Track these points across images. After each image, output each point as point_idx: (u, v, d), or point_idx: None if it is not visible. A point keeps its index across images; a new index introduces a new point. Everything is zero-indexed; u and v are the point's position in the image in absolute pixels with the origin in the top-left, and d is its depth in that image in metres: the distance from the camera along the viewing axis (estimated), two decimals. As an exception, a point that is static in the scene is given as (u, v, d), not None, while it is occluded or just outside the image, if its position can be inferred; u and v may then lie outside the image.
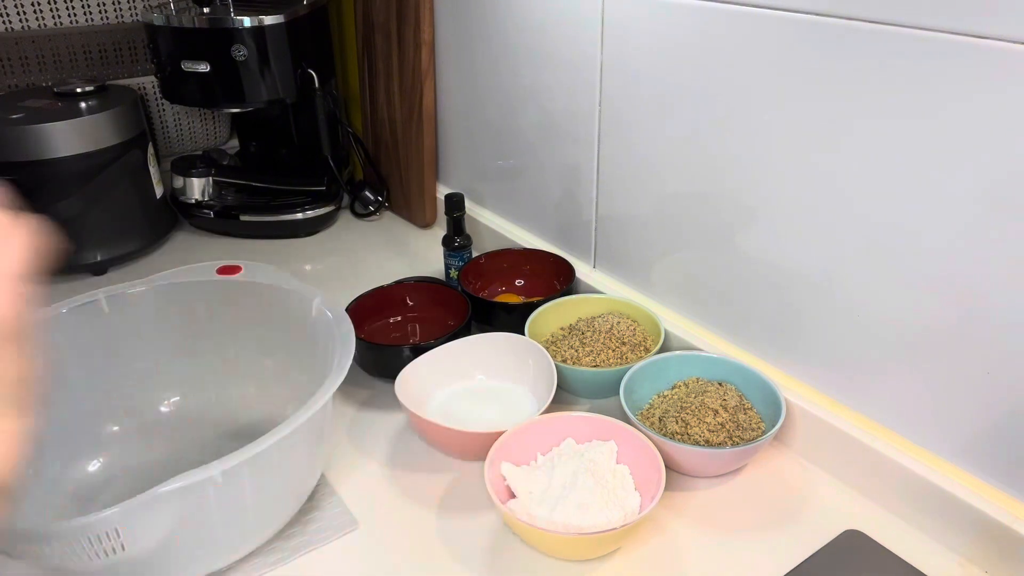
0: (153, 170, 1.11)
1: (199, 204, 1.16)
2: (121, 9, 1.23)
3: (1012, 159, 0.51)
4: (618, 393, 0.71)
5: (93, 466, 0.70)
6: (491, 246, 1.05)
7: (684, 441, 0.68)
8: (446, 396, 0.79)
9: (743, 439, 0.68)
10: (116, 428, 0.72)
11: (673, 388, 0.76)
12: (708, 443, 0.67)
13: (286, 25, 1.06)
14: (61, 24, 1.19)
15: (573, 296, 0.88)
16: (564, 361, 0.79)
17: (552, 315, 0.85)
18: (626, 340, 0.80)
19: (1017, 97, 0.49)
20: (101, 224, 1.04)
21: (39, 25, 1.18)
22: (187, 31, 1.03)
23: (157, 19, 1.04)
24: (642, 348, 0.80)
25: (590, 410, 0.75)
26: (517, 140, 0.98)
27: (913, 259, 0.59)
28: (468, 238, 0.98)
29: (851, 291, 0.64)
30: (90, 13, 1.21)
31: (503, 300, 0.95)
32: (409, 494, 0.68)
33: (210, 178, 1.16)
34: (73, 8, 1.19)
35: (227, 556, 0.59)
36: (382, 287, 0.92)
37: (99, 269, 1.06)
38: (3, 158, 0.96)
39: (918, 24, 0.53)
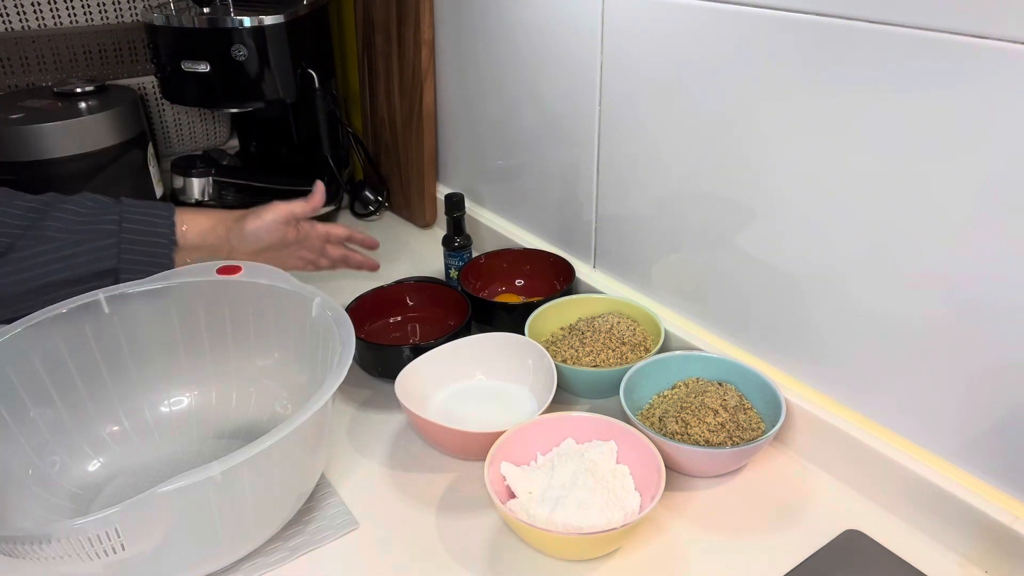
0: (153, 170, 1.11)
1: (199, 204, 1.16)
2: (121, 9, 1.23)
3: (1012, 159, 0.51)
4: (618, 393, 0.71)
5: (93, 466, 0.70)
6: (491, 246, 1.05)
7: (684, 441, 0.68)
8: (446, 396, 0.79)
9: (743, 439, 0.68)
10: (116, 428, 0.72)
11: (673, 388, 0.76)
12: (708, 443, 0.67)
13: (286, 25, 1.06)
14: (61, 24, 1.19)
15: (573, 296, 0.88)
16: (564, 361, 0.79)
17: (552, 315, 0.85)
18: (626, 340, 0.80)
19: (1017, 97, 0.49)
20: (101, 224, 1.04)
21: (39, 25, 1.18)
22: (187, 31, 1.03)
23: (157, 19, 1.04)
24: (642, 348, 0.80)
25: (590, 410, 0.75)
26: (517, 140, 0.98)
27: (913, 259, 0.59)
28: (468, 238, 0.98)
29: (851, 291, 0.64)
30: (90, 13, 1.21)
31: (503, 300, 0.95)
32: (409, 494, 0.68)
33: (210, 178, 1.16)
34: (73, 8, 1.19)
35: (227, 556, 0.59)
36: (382, 287, 0.92)
37: (99, 269, 1.05)
38: (3, 158, 0.96)
39: (918, 24, 0.53)
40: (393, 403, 0.75)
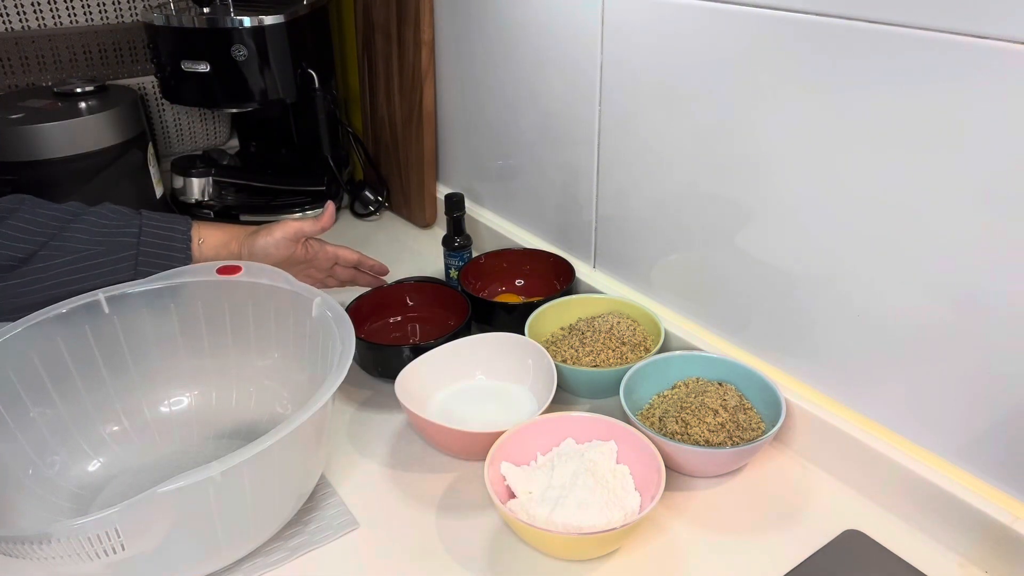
0: (153, 170, 1.11)
1: (199, 204, 1.16)
2: (121, 9, 1.23)
3: (1013, 159, 0.51)
4: (618, 393, 0.71)
5: (93, 466, 0.70)
6: (491, 246, 1.05)
7: (684, 441, 0.68)
8: (446, 396, 0.79)
9: (743, 439, 0.68)
10: (116, 428, 0.72)
11: (673, 388, 0.76)
12: (708, 443, 0.67)
13: (286, 25, 1.06)
14: (61, 24, 1.19)
15: (573, 296, 0.88)
16: (564, 361, 0.79)
17: (552, 315, 0.85)
18: (626, 340, 0.80)
19: (1017, 97, 0.49)
20: (101, 224, 1.04)
21: (39, 25, 1.18)
22: (187, 31, 1.03)
23: (157, 19, 1.04)
24: (642, 348, 0.80)
25: (590, 410, 0.75)
26: (517, 140, 0.98)
27: (913, 259, 0.59)
28: (468, 238, 0.98)
29: (851, 291, 0.64)
30: (90, 13, 1.21)
31: (503, 300, 0.95)
32: (409, 494, 0.68)
33: (210, 178, 1.16)
34: (73, 8, 1.19)
35: (227, 556, 0.59)
36: (382, 287, 0.92)
37: (99, 269, 1.06)
38: (3, 158, 0.96)
39: (918, 24, 0.53)
40: (393, 403, 0.75)
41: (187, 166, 1.16)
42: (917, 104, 0.55)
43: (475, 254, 0.99)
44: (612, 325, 0.82)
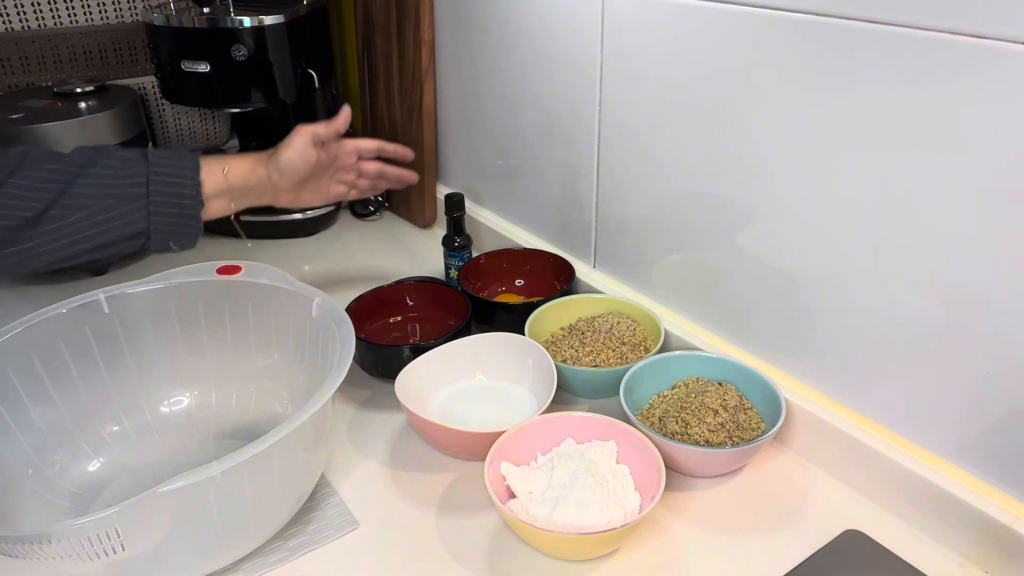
0: (153, 170, 1.11)
1: (199, 204, 1.15)
2: (121, 9, 1.23)
3: (1013, 159, 0.51)
4: (618, 393, 0.71)
5: (93, 466, 0.70)
6: (491, 246, 1.05)
7: (684, 441, 0.68)
8: (446, 396, 0.79)
9: (743, 439, 0.68)
10: (116, 428, 0.72)
11: (673, 388, 0.76)
12: (708, 443, 0.67)
13: (286, 25, 1.06)
14: (61, 24, 1.19)
15: (573, 296, 0.88)
16: (564, 361, 0.79)
17: (552, 315, 0.85)
18: (626, 340, 0.80)
19: (1017, 97, 0.49)
20: (101, 224, 1.04)
21: (39, 25, 1.18)
22: (187, 31, 1.03)
23: (157, 19, 1.03)
24: (642, 348, 0.80)
25: (590, 410, 0.75)
26: (517, 140, 0.98)
27: (913, 259, 0.59)
28: (468, 238, 0.98)
29: (851, 291, 0.64)
30: (90, 13, 1.21)
31: (503, 300, 0.95)
32: (409, 494, 0.68)
33: (210, 178, 1.16)
34: (73, 8, 1.19)
35: (227, 556, 0.59)
36: (382, 287, 0.92)
37: (99, 269, 1.06)
38: (3, 158, 0.96)
39: (918, 24, 0.53)
40: (393, 403, 0.75)
41: (187, 166, 1.16)
42: (917, 104, 0.55)
43: (475, 254, 0.99)
44: (612, 325, 0.82)
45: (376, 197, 1.22)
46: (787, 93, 0.63)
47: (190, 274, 0.74)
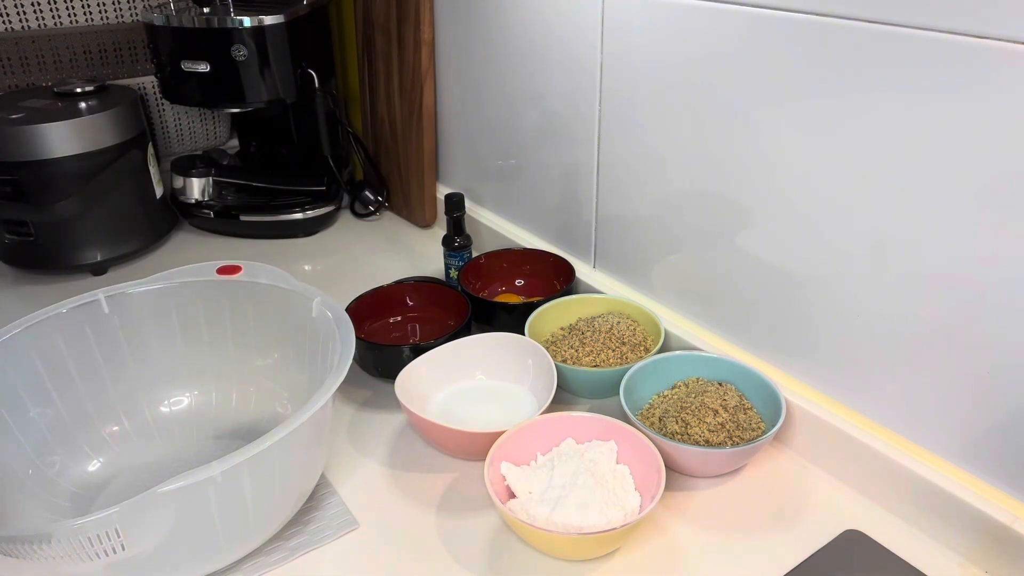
0: (153, 170, 1.11)
1: (199, 204, 1.16)
2: (121, 9, 1.23)
3: (1012, 159, 0.51)
4: (618, 393, 0.71)
5: (93, 466, 0.70)
6: (491, 246, 1.05)
7: (684, 441, 0.68)
8: (446, 396, 0.79)
9: (743, 439, 0.68)
10: (116, 428, 0.72)
11: (673, 388, 0.76)
12: (708, 443, 0.67)
13: (286, 25, 1.06)
14: (61, 24, 1.19)
15: (573, 296, 0.88)
16: (564, 361, 0.79)
17: (552, 315, 0.85)
18: (626, 340, 0.80)
19: (1017, 97, 0.49)
20: (101, 224, 1.04)
21: (39, 25, 1.18)
22: (187, 31, 1.03)
23: (157, 19, 1.04)
24: (642, 348, 0.80)
25: (590, 410, 0.75)
26: (517, 140, 0.98)
27: (913, 259, 0.59)
28: (468, 238, 0.98)
29: (851, 291, 0.64)
30: (90, 13, 1.21)
31: (503, 300, 0.95)
32: (409, 494, 0.68)
33: (210, 178, 1.16)
34: (73, 8, 1.19)
35: (227, 556, 0.59)
36: (382, 287, 0.92)
37: (99, 269, 1.06)
38: (3, 158, 0.96)
39: (918, 24, 0.53)
40: (393, 403, 0.75)
41: (187, 166, 1.16)
42: (917, 104, 0.55)
43: (475, 254, 0.99)
44: (612, 325, 0.82)
45: (376, 197, 1.23)
46: (787, 93, 0.63)
47: (190, 274, 0.74)
